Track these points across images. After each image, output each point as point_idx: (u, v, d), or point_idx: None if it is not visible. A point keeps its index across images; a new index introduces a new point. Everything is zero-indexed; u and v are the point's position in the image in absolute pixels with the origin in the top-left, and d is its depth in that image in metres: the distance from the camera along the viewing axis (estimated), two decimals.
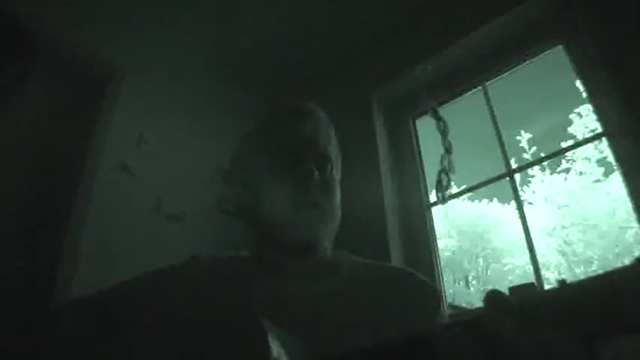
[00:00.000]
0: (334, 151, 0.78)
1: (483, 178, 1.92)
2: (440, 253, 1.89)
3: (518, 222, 1.72)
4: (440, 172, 1.85)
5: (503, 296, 0.43)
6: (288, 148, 0.73)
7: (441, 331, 0.41)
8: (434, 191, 1.88)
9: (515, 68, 1.98)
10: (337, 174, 0.78)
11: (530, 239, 1.65)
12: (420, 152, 2.14)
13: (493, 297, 0.43)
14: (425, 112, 2.10)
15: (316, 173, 0.70)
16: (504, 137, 1.88)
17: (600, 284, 0.38)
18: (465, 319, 0.41)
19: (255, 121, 0.82)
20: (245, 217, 0.76)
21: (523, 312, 0.37)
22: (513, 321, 0.37)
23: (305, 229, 0.68)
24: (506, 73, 2.01)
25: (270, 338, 0.49)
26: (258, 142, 0.78)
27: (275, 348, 0.49)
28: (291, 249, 0.69)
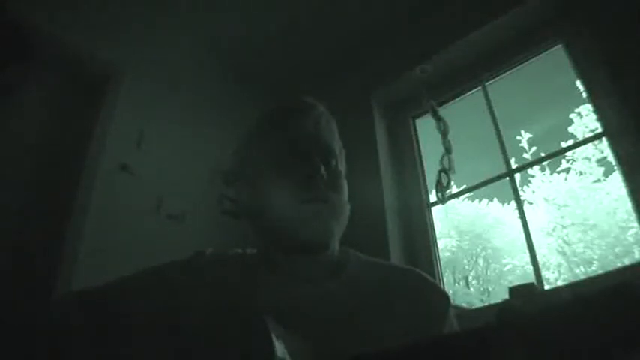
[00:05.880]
0: (337, 144, 0.77)
1: (483, 178, 1.92)
2: (440, 253, 1.89)
3: (518, 222, 1.72)
4: (440, 172, 1.86)
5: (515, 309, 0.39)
6: (292, 146, 0.71)
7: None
8: (434, 191, 1.89)
9: (515, 68, 1.99)
10: (342, 167, 0.77)
11: (530, 239, 1.65)
12: (420, 152, 2.14)
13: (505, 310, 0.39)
14: (425, 112, 2.10)
15: (323, 169, 0.68)
16: (504, 137, 1.88)
17: (606, 286, 0.31)
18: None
19: (254, 122, 0.80)
20: (249, 218, 0.74)
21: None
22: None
23: (317, 226, 0.66)
24: (506, 73, 2.01)
25: (274, 338, 0.49)
26: (259, 142, 0.76)
27: (279, 348, 0.49)
28: (304, 247, 0.67)
